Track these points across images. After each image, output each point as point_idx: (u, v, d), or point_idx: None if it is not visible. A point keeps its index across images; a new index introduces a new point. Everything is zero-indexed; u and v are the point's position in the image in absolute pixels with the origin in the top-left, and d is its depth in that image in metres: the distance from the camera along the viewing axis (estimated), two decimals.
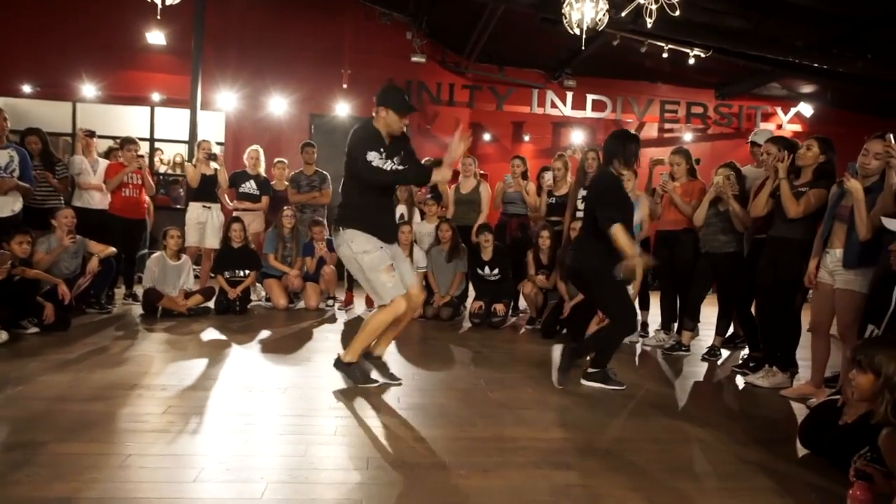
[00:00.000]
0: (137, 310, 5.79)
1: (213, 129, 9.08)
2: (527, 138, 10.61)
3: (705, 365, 4.74)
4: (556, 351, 3.80)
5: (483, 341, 5.19)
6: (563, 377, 3.76)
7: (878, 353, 2.27)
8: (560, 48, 9.51)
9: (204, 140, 6.73)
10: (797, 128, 10.72)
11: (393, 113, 3.48)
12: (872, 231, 3.28)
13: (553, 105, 10.63)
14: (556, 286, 5.61)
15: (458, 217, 6.47)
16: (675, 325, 5.28)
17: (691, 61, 8.75)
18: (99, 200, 6.07)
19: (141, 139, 8.50)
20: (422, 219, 6.61)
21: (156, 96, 9.30)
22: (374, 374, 3.67)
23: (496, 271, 5.98)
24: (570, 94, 10.61)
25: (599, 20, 6.00)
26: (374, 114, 3.56)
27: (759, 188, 4.36)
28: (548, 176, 6.17)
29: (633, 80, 10.60)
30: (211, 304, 5.92)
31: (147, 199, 6.40)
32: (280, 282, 6.39)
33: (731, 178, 4.60)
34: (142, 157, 6.30)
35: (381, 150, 3.47)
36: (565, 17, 6.09)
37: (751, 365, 4.42)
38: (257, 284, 6.54)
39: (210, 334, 5.00)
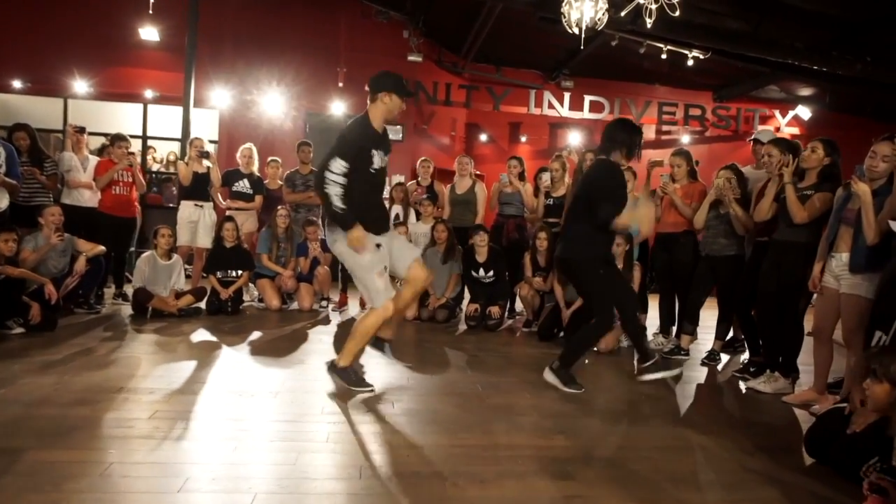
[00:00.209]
0: (127, 310, 5.68)
1: (206, 127, 8.96)
2: (523, 139, 10.52)
3: (705, 370, 4.67)
4: (548, 375, 3.74)
5: (479, 344, 5.10)
6: (571, 386, 3.70)
7: (893, 362, 2.20)
8: (558, 48, 9.47)
9: (196, 138, 6.61)
10: (795, 130, 10.70)
11: (396, 97, 3.42)
12: (880, 235, 3.22)
13: (550, 106, 10.59)
14: (552, 288, 5.53)
15: (453, 218, 6.37)
16: (674, 328, 5.22)
17: (690, 63, 8.71)
18: (88, 198, 5.96)
19: (133, 137, 8.44)
20: (417, 219, 6.52)
21: (149, 93, 9.17)
22: (379, 361, 3.59)
23: (490, 273, 5.89)
24: (567, 95, 10.58)
25: (599, 19, 5.92)
26: (369, 102, 3.46)
27: (762, 191, 4.30)
28: (545, 177, 6.08)
29: (630, 82, 10.57)
30: (202, 304, 5.82)
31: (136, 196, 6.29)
32: (273, 282, 6.29)
33: (732, 181, 4.52)
34: (132, 154, 6.19)
35: (381, 149, 3.44)
36: (564, 16, 6.01)
37: (751, 370, 4.35)
38: (250, 285, 6.45)
39: (201, 335, 4.89)
